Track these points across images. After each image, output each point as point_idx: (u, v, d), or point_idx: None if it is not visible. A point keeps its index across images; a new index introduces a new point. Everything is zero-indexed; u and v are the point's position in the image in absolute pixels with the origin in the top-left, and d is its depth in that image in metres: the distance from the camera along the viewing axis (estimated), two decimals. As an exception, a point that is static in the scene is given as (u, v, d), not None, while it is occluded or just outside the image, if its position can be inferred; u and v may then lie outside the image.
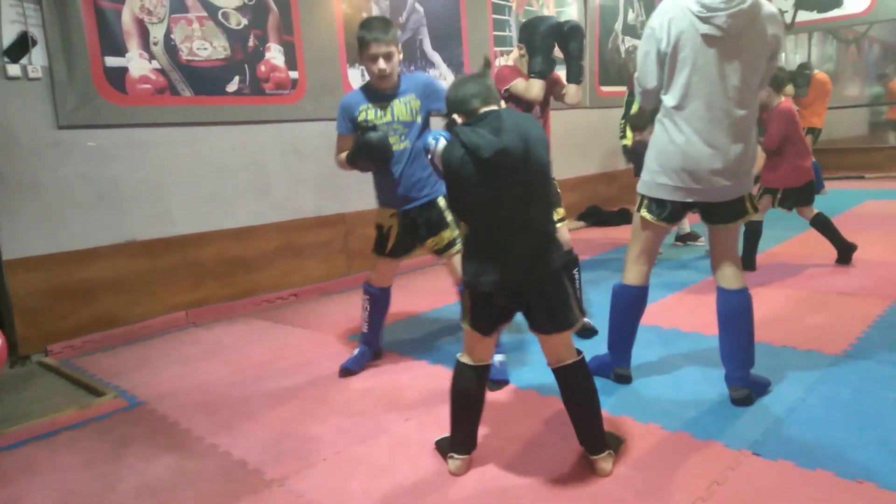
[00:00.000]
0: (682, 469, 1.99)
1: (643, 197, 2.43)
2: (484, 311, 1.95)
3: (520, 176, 1.81)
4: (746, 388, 2.38)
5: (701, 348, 2.94)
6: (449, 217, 2.76)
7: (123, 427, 2.58)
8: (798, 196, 4.16)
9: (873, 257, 4.35)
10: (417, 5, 5.17)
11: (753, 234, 4.28)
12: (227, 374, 3.09)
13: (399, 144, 2.68)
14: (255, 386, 2.91)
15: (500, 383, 2.65)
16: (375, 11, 4.87)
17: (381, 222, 2.85)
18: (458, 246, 2.73)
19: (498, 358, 2.71)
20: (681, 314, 3.47)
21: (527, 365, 2.89)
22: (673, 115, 2.27)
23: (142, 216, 3.79)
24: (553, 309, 1.91)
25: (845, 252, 4.25)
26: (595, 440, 2.00)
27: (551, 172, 1.99)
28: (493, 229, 1.87)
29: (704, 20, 2.12)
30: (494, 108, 1.90)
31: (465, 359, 2.03)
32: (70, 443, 2.48)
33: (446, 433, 2.13)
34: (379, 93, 2.69)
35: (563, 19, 3.35)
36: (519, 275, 1.86)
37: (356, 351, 3.03)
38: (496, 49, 5.92)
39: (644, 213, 2.42)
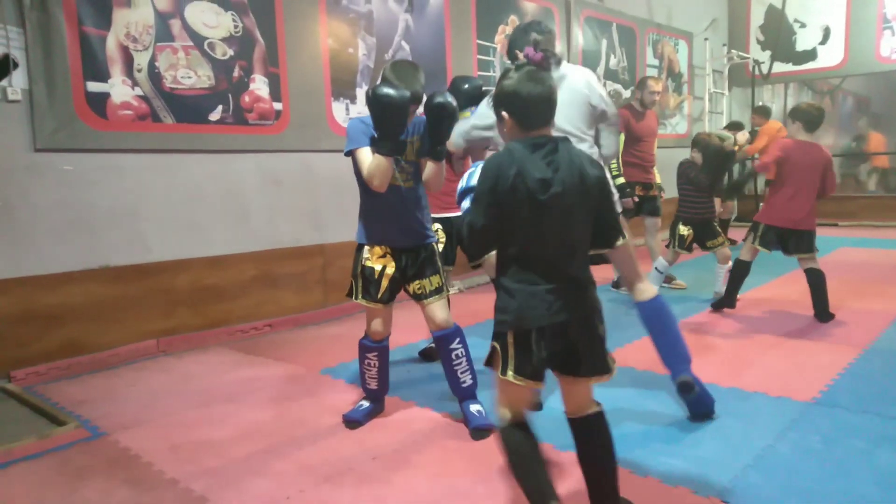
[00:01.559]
0: (650, 515, 1.97)
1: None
2: (531, 353, 1.70)
3: (568, 216, 1.70)
4: (687, 376, 2.57)
5: (673, 392, 2.93)
6: (439, 263, 2.69)
7: (83, 459, 2.50)
8: (790, 239, 4.07)
9: (846, 305, 4.41)
10: (404, 43, 5.26)
11: (740, 273, 4.27)
12: (194, 405, 3.02)
13: (407, 182, 2.59)
14: (221, 419, 2.85)
15: (486, 430, 2.52)
16: (362, 48, 4.94)
17: (370, 264, 2.61)
18: (445, 293, 2.69)
19: (475, 408, 2.65)
20: (655, 356, 3.47)
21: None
22: None
23: (116, 242, 3.74)
24: (594, 351, 1.76)
25: (823, 315, 4.10)
26: (611, 498, 1.81)
27: (615, 208, 1.90)
28: (539, 263, 1.70)
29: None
30: (549, 132, 1.75)
31: (505, 417, 1.77)
32: (26, 474, 2.40)
33: (414, 470, 2.06)
34: None
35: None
36: (569, 310, 1.70)
37: (363, 406, 2.77)
38: (480, 88, 6.00)
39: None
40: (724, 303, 4.38)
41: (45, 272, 3.48)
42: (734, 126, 7.09)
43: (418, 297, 2.65)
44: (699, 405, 2.63)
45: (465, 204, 1.79)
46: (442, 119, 2.42)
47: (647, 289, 2.61)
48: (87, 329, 3.63)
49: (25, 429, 2.75)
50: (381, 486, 2.20)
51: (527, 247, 1.70)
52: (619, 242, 1.85)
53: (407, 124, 2.47)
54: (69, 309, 3.56)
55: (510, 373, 1.71)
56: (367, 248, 2.64)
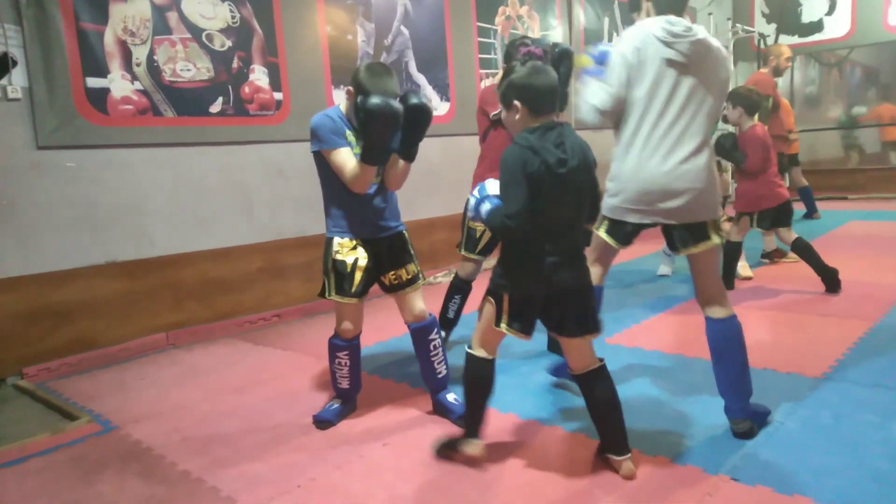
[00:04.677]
0: (661, 494, 1.97)
1: (605, 217, 2.46)
2: (526, 313, 2.03)
3: (579, 192, 1.98)
4: (748, 420, 2.30)
5: (682, 371, 2.93)
6: (413, 250, 2.64)
7: (96, 453, 2.53)
8: (774, 216, 4.18)
9: (855, 278, 4.37)
10: (403, 28, 5.21)
11: (732, 254, 4.29)
12: (205, 397, 3.04)
13: (377, 178, 2.52)
14: (232, 410, 2.87)
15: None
16: (361, 35, 4.91)
17: (341, 257, 2.49)
18: (421, 281, 2.63)
19: (451, 396, 2.64)
20: (663, 336, 3.47)
21: (531, 394, 2.87)
22: (631, 136, 2.28)
23: (121, 237, 3.75)
24: (587, 313, 2.06)
25: (829, 279, 4.12)
26: (619, 442, 2.09)
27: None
28: (548, 236, 1.96)
29: (668, 45, 2.20)
30: (554, 117, 1.99)
31: (480, 353, 2.14)
32: (40, 469, 2.42)
33: (424, 455, 2.12)
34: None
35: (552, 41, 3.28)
36: (566, 280, 1.99)
37: (334, 405, 2.69)
38: (482, 71, 5.96)
39: (602, 232, 2.47)
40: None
41: (52, 269, 3.49)
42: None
43: (394, 288, 2.57)
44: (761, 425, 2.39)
45: (486, 207, 2.00)
46: (419, 122, 2.36)
47: (722, 305, 2.33)
48: (96, 324, 3.65)
49: (38, 424, 2.78)
50: (391, 473, 2.21)
51: (542, 220, 1.93)
52: (735, 238, 2.25)
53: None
54: (78, 305, 3.58)
55: (503, 325, 2.04)
56: (336, 241, 2.52)
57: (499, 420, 2.54)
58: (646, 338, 3.44)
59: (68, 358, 3.54)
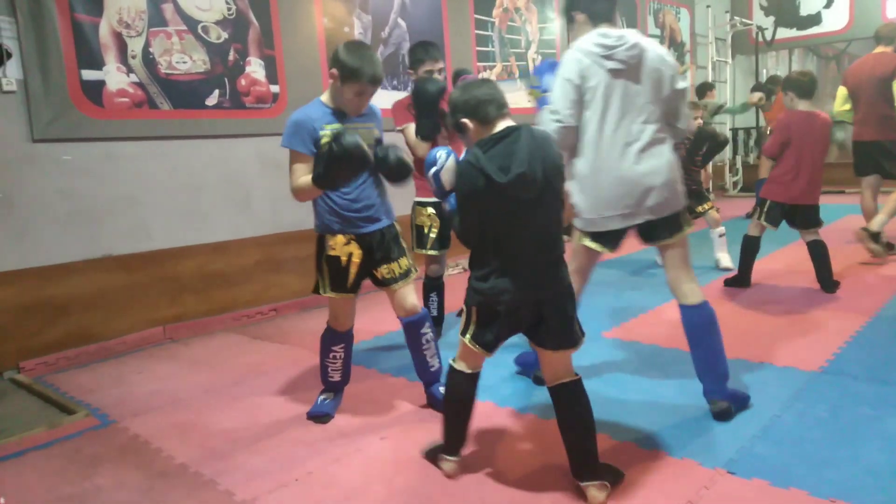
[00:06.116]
0: (657, 488, 1.97)
1: (584, 232, 2.48)
2: (492, 326, 1.94)
3: (541, 198, 1.85)
4: (725, 401, 2.39)
5: (679, 364, 2.93)
6: (405, 244, 2.62)
7: (93, 447, 2.53)
8: (795, 214, 4.04)
9: (852, 272, 4.38)
10: (400, 20, 5.19)
11: (750, 250, 4.22)
12: (202, 391, 3.04)
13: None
14: (229, 403, 2.87)
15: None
16: (357, 27, 4.88)
17: (336, 252, 2.46)
18: (413, 275, 2.60)
19: (444, 388, 2.53)
20: (660, 330, 3.47)
21: (528, 386, 2.87)
22: (594, 147, 2.34)
23: (118, 230, 3.74)
24: (563, 326, 1.93)
25: (828, 285, 4.05)
26: (588, 466, 1.94)
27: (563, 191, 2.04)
28: (511, 246, 1.87)
29: (607, 57, 2.31)
30: (510, 122, 1.90)
31: (460, 366, 2.05)
32: (38, 463, 2.42)
33: (421, 450, 2.10)
34: (343, 115, 2.45)
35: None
36: (537, 291, 1.89)
37: (324, 400, 2.68)
38: (479, 64, 5.94)
39: (588, 242, 2.47)
40: (738, 281, 4.27)
41: (49, 263, 3.48)
42: (758, 88, 7.51)
43: (386, 283, 2.53)
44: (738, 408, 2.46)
45: (434, 172, 1.94)
46: (401, 176, 2.40)
47: (693, 292, 2.41)
48: (93, 318, 3.65)
49: (36, 419, 2.77)
50: (389, 467, 2.21)
51: (501, 230, 1.86)
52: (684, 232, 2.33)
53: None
54: (75, 299, 3.58)
55: (468, 337, 1.97)
56: (328, 237, 2.49)
57: (496, 413, 2.54)
58: (643, 331, 3.44)
59: (66, 352, 3.54)
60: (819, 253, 4.05)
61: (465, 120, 1.92)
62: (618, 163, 2.33)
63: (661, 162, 2.35)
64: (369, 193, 2.51)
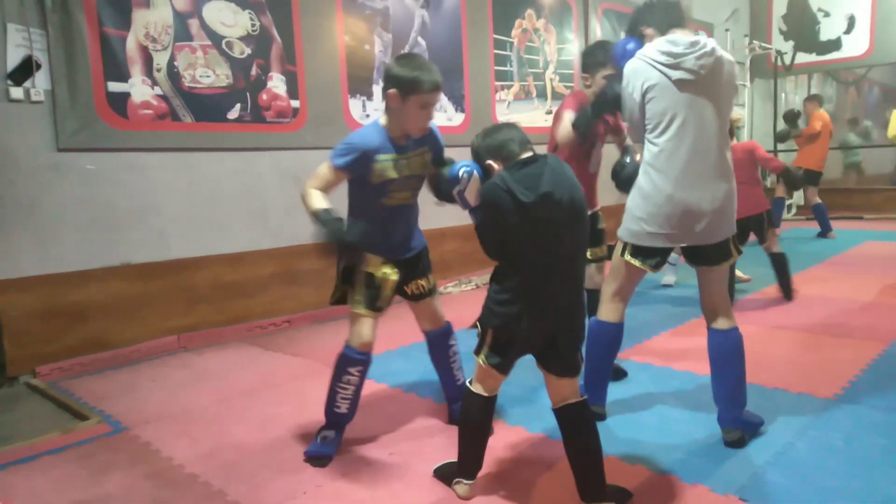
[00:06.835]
0: (667, 513, 1.95)
1: (626, 243, 2.40)
2: (506, 351, 1.94)
3: (567, 225, 1.84)
4: (739, 430, 2.35)
5: (692, 388, 2.91)
6: (430, 262, 2.59)
7: (104, 453, 2.55)
8: (753, 226, 4.26)
9: (870, 299, 4.33)
10: (420, 39, 5.26)
11: (783, 263, 4.42)
12: (214, 401, 3.06)
13: (409, 199, 2.42)
14: (240, 414, 2.88)
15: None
16: (378, 45, 4.95)
17: (371, 270, 2.37)
18: (437, 291, 2.62)
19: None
20: (674, 353, 3.45)
21: (537, 406, 2.86)
22: (657, 163, 2.26)
23: (137, 239, 3.80)
24: (573, 356, 1.96)
25: (787, 291, 4.44)
26: (594, 487, 1.92)
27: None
28: (534, 273, 1.84)
29: (673, 67, 2.17)
30: (532, 153, 1.91)
31: (477, 389, 2.02)
32: (49, 468, 2.45)
33: (431, 466, 2.11)
34: (400, 144, 2.31)
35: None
36: (557, 323, 1.90)
37: (325, 438, 2.45)
38: (497, 83, 5.99)
39: (629, 258, 2.39)
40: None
41: (68, 269, 3.54)
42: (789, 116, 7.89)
43: (417, 297, 2.52)
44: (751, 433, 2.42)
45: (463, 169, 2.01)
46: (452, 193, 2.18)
47: (725, 316, 2.35)
48: (109, 325, 3.69)
49: (49, 423, 2.81)
50: (397, 482, 2.21)
51: (525, 254, 1.85)
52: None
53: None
54: (92, 305, 3.62)
55: (482, 357, 1.96)
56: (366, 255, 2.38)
57: (507, 433, 2.53)
58: (657, 354, 3.42)
59: (81, 358, 3.58)
60: (782, 265, 4.43)
61: (489, 162, 1.94)
62: (673, 183, 2.22)
63: (720, 189, 2.24)
64: (403, 229, 2.46)
